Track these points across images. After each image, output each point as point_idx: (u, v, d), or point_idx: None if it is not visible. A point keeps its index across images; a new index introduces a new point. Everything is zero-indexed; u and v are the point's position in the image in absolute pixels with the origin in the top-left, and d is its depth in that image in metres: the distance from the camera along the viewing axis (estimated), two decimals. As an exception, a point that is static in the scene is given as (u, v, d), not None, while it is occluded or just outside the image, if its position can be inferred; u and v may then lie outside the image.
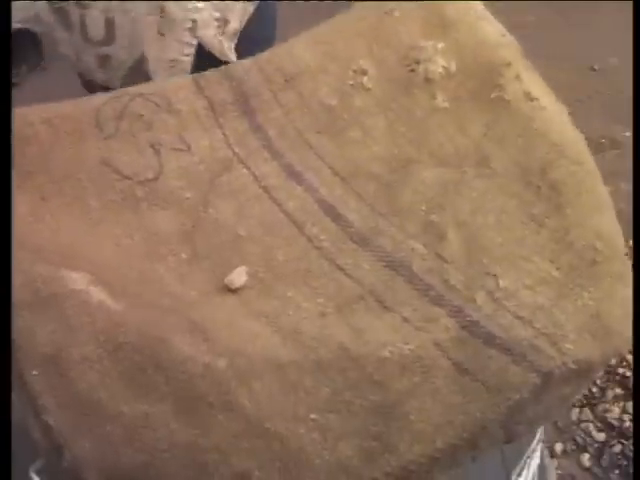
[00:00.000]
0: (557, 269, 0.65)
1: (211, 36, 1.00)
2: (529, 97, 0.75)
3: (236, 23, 1.01)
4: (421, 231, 0.69)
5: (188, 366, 0.57)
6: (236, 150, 0.76)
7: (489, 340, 0.59)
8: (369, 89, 0.81)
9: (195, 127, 0.77)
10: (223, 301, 0.65)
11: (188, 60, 0.99)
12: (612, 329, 0.60)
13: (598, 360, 0.59)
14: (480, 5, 0.84)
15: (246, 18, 1.04)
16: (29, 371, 0.58)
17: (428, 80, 0.80)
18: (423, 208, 0.71)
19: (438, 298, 0.63)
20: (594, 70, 2.22)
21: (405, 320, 0.62)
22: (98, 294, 0.62)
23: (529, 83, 0.77)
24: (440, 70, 0.79)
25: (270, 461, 0.54)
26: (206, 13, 0.98)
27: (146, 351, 0.58)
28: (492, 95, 0.77)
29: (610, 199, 0.71)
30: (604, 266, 0.64)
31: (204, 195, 0.73)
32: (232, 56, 1.01)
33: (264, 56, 0.83)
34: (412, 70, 0.80)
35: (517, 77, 0.76)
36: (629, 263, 0.65)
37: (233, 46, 1.02)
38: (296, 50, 0.86)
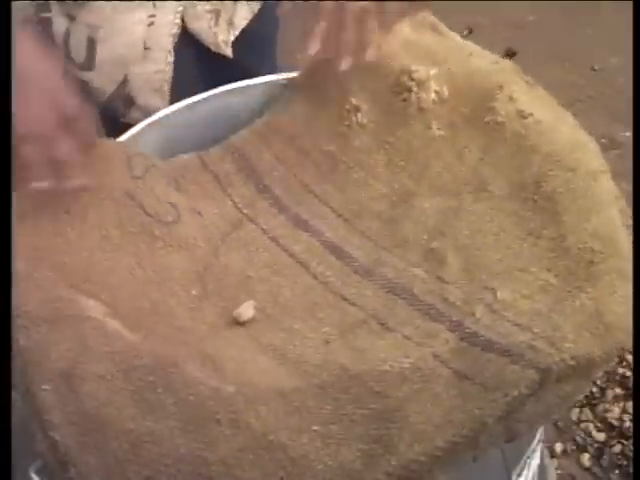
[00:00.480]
0: (555, 276, 0.66)
1: (205, 28, 0.99)
2: (522, 115, 0.77)
3: (227, 15, 1.00)
4: (422, 259, 0.71)
5: (199, 389, 0.58)
6: (245, 211, 0.80)
7: (488, 346, 0.60)
8: (364, 125, 0.83)
9: (204, 200, 0.81)
10: (232, 334, 0.67)
11: (169, 70, 0.99)
12: (612, 326, 0.61)
13: (598, 356, 0.59)
14: (469, 44, 0.86)
15: (250, 16, 1.03)
16: (39, 385, 0.59)
17: (422, 109, 0.81)
18: (424, 237, 0.73)
19: (438, 315, 0.65)
20: (594, 70, 2.22)
21: (406, 338, 0.63)
22: (113, 324, 0.64)
23: (522, 101, 0.78)
24: (433, 96, 0.80)
25: (273, 470, 0.54)
26: (199, 7, 0.97)
27: (159, 373, 0.60)
28: (486, 119, 0.79)
29: (613, 194, 0.71)
30: (602, 265, 0.65)
31: (215, 247, 0.76)
32: (227, 50, 1.01)
33: (261, 121, 0.88)
34: (404, 100, 0.82)
35: (510, 98, 0.78)
36: (630, 258, 0.65)
37: (231, 40, 1.02)
38: (289, 104, 0.88)
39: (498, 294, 0.64)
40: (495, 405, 0.55)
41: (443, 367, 0.58)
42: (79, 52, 0.96)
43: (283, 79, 0.95)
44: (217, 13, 0.99)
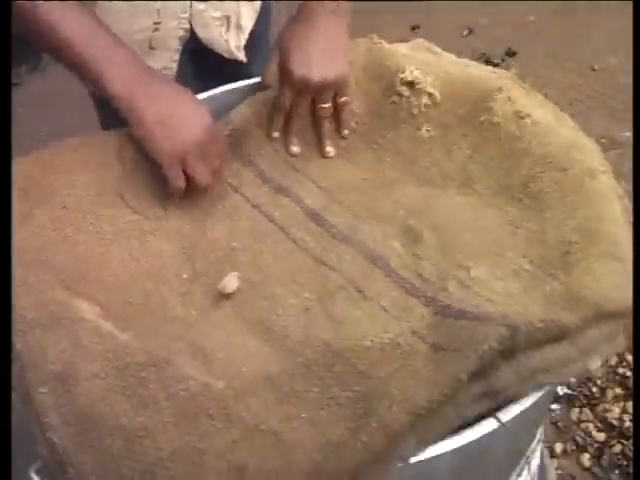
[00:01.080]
0: (529, 262, 0.67)
1: (216, 36, 1.00)
2: (519, 116, 0.78)
3: (235, 18, 1.00)
4: (399, 233, 0.73)
5: (189, 385, 0.60)
6: (229, 181, 0.82)
7: (460, 315, 0.62)
8: (354, 129, 0.86)
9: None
10: (220, 315, 0.69)
11: (174, 67, 0.99)
12: (587, 299, 0.62)
13: (572, 323, 0.60)
14: (466, 60, 0.88)
15: (255, 16, 1.03)
16: (36, 388, 0.61)
17: (413, 113, 0.83)
18: (401, 213, 0.75)
19: (413, 290, 0.67)
20: (594, 70, 2.22)
21: (383, 309, 0.65)
22: (106, 326, 0.66)
23: (521, 103, 0.79)
24: (425, 100, 0.81)
25: (265, 452, 0.56)
26: (206, 14, 0.98)
27: (150, 369, 0.62)
28: (481, 118, 0.80)
29: (612, 192, 0.71)
30: (578, 254, 0.66)
31: (202, 224, 0.78)
32: (240, 55, 1.01)
33: (258, 98, 0.89)
34: (395, 102, 0.84)
35: (509, 98, 0.79)
36: (614, 245, 0.66)
37: (243, 44, 1.02)
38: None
39: (471, 272, 0.66)
40: (467, 361, 0.55)
41: (421, 343, 0.59)
42: None
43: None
44: (227, 19, 0.99)
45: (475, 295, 0.63)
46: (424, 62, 0.84)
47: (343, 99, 0.85)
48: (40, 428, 0.59)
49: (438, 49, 0.90)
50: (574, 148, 0.74)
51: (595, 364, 0.62)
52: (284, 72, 0.85)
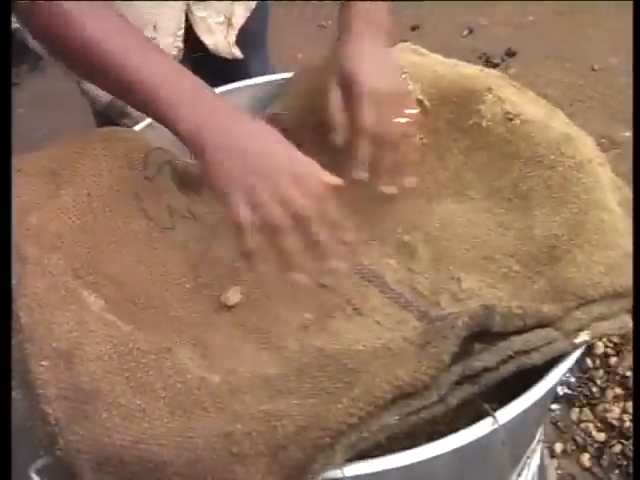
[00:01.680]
0: (517, 262, 0.69)
1: (220, 41, 1.00)
2: (508, 117, 0.78)
3: (232, 18, 1.00)
4: (395, 251, 0.76)
5: (186, 378, 0.62)
6: None
7: (445, 316, 0.62)
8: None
9: (201, 203, 0.84)
10: (221, 321, 0.71)
11: None
12: (568, 290, 0.63)
13: (553, 315, 0.60)
14: (454, 60, 0.88)
15: (247, 14, 1.04)
16: (38, 361, 0.62)
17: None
18: (398, 230, 0.77)
19: (407, 304, 0.69)
20: (594, 70, 2.21)
21: (377, 323, 0.67)
22: (111, 317, 0.68)
23: (512, 101, 0.80)
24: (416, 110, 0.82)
25: (253, 424, 0.57)
26: (210, 20, 0.98)
27: (151, 357, 0.63)
28: (470, 122, 0.80)
29: (605, 182, 0.71)
30: (564, 247, 0.67)
31: (208, 243, 0.80)
32: (237, 52, 1.02)
33: (259, 117, 0.87)
34: None
35: (499, 98, 0.79)
36: (598, 234, 0.66)
37: (234, 40, 1.02)
38: (285, 101, 0.90)
39: (463, 285, 0.68)
40: (447, 341, 0.56)
41: (411, 346, 0.61)
42: None
43: (281, 79, 0.95)
44: (228, 22, 0.99)
45: (465, 307, 0.64)
46: (411, 64, 0.85)
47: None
48: (34, 399, 0.60)
49: (425, 50, 0.90)
50: (564, 144, 0.74)
51: (582, 338, 0.61)
52: (355, 84, 0.75)
